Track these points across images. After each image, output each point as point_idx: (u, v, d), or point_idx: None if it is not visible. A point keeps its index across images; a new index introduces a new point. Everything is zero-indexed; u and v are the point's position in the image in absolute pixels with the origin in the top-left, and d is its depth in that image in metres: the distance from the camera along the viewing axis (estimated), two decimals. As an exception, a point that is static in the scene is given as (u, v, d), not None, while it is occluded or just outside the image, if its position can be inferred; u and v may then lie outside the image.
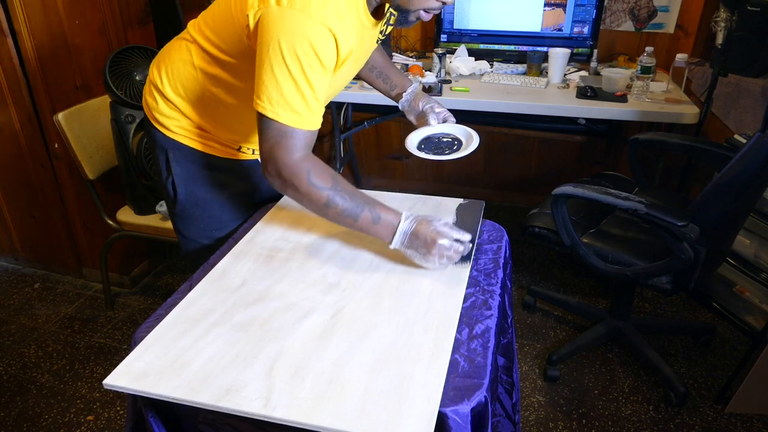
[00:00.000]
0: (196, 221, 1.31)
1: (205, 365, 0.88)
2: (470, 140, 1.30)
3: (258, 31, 0.97)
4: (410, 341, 0.93)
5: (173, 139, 1.23)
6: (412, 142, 1.32)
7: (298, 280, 1.10)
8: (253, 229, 1.28)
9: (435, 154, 1.29)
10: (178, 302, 1.05)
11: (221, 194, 1.30)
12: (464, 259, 1.13)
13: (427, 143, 1.33)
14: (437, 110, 1.37)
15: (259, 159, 1.19)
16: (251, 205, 1.37)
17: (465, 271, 1.12)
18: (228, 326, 0.97)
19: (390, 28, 1.26)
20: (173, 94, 1.19)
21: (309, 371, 0.87)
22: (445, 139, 1.34)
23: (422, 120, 1.38)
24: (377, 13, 1.10)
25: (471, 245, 1.12)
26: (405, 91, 1.41)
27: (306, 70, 0.95)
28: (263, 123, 1.00)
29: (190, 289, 1.09)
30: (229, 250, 1.22)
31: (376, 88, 1.47)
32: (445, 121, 1.37)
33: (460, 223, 1.29)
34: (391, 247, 1.08)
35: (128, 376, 0.87)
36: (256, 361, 0.89)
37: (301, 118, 0.99)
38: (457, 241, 1.07)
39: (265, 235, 1.25)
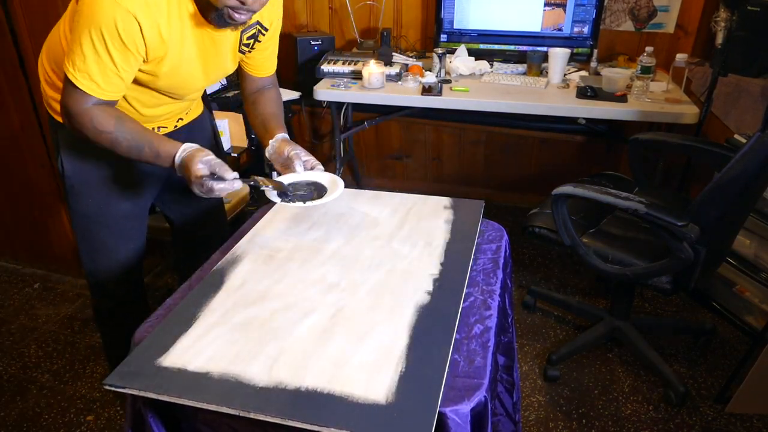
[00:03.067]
0: (84, 197, 1.40)
1: (205, 365, 0.88)
2: (335, 186, 1.26)
3: (78, 4, 1.09)
4: (410, 341, 0.93)
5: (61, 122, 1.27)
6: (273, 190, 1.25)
7: (298, 280, 1.10)
8: (253, 229, 1.29)
9: (297, 200, 1.23)
10: (178, 302, 1.05)
11: (108, 170, 1.38)
12: (296, 198, 1.22)
13: (291, 190, 1.26)
14: (304, 158, 1.30)
15: None
16: (139, 182, 1.45)
17: (465, 270, 1.12)
18: (228, 326, 0.97)
19: (256, 41, 1.32)
20: (59, 81, 1.26)
21: (309, 371, 0.87)
22: (308, 186, 1.28)
23: (287, 167, 1.31)
24: (209, 12, 1.14)
25: (239, 183, 1.13)
26: (272, 138, 1.35)
27: (109, 47, 1.08)
28: (66, 82, 1.12)
29: (189, 290, 1.09)
30: (228, 249, 1.22)
31: (257, 136, 1.44)
32: (312, 169, 1.30)
33: (458, 222, 1.29)
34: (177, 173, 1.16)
35: (128, 376, 0.87)
36: (256, 360, 0.89)
37: (97, 87, 1.11)
38: (214, 176, 1.10)
39: (265, 236, 1.25)
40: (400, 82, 2.33)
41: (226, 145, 2.38)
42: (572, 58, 2.36)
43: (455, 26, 2.50)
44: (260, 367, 0.88)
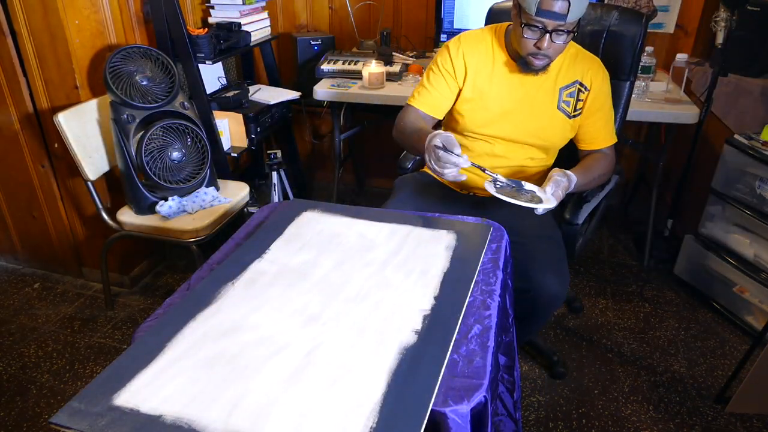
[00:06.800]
0: None
1: (160, 406, 0.81)
2: (547, 201, 1.29)
3: None
4: (387, 389, 0.84)
5: None
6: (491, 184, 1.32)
7: (276, 310, 1.02)
8: (240, 247, 1.21)
9: (520, 200, 1.27)
10: (178, 302, 1.04)
11: None
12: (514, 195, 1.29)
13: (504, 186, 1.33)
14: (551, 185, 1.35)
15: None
16: None
17: (460, 308, 1.03)
18: (192, 361, 0.90)
19: (578, 100, 1.52)
20: None
21: (270, 420, 0.79)
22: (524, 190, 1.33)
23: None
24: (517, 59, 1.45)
25: None
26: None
27: (432, 65, 1.56)
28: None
29: (188, 290, 1.09)
30: (229, 250, 1.21)
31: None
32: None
33: (460, 249, 1.22)
34: None
35: (78, 414, 0.81)
36: (216, 404, 0.82)
37: (412, 98, 1.59)
38: (445, 149, 1.28)
39: (252, 254, 1.18)
40: (400, 82, 2.33)
41: (226, 145, 2.38)
42: (572, 58, 2.36)
43: (455, 26, 2.50)
44: (218, 413, 0.80)
